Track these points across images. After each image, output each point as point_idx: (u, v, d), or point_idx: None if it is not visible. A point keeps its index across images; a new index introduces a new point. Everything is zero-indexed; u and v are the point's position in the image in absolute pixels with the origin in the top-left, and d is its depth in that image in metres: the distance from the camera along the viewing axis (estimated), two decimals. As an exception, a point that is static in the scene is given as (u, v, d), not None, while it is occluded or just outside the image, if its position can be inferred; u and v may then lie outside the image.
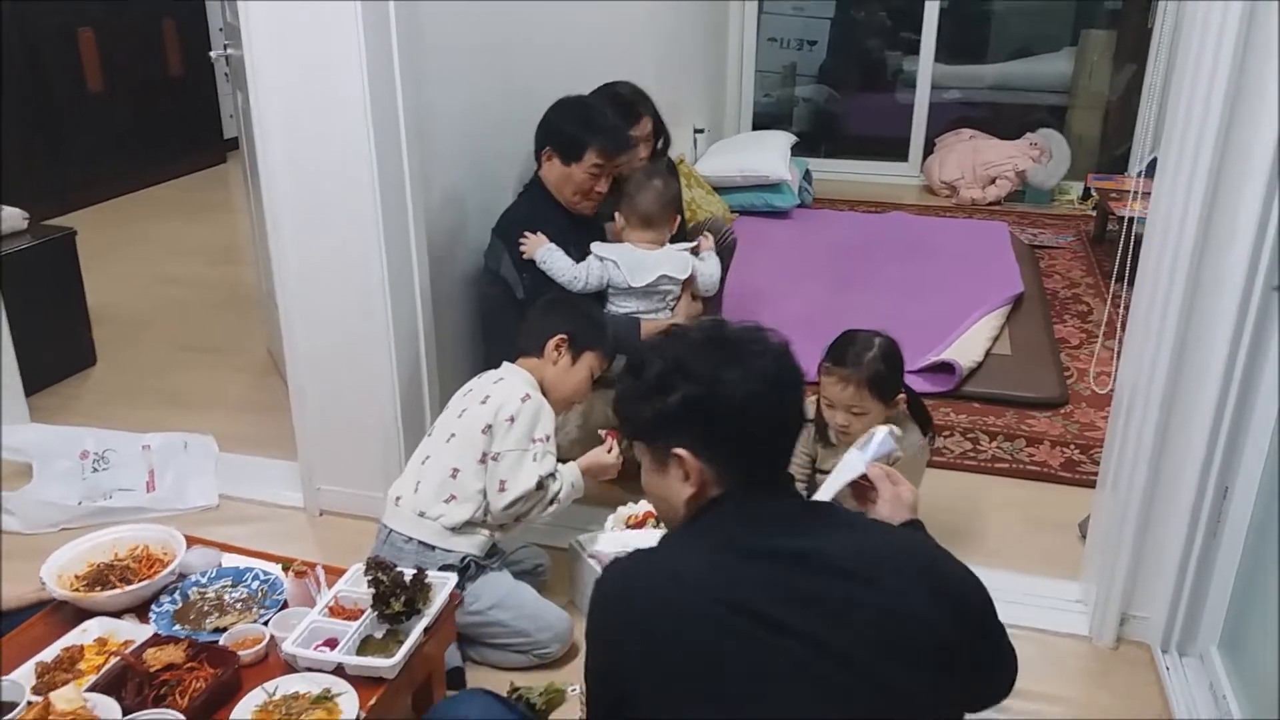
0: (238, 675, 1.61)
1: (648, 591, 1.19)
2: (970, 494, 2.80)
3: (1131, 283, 2.20)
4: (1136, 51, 5.74)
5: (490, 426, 2.08)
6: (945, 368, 3.37)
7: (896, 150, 6.14)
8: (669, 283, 2.67)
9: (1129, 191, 4.30)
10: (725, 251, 3.01)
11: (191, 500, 2.72)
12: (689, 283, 2.71)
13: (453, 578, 1.87)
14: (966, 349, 3.50)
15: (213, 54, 3.37)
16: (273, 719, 1.53)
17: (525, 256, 2.63)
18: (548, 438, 2.13)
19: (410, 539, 2.07)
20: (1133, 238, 2.74)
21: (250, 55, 2.38)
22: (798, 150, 5.53)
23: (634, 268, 2.64)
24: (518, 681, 1.98)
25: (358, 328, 2.53)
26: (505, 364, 2.26)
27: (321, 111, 2.37)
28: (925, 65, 5.91)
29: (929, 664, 1.16)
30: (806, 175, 5.49)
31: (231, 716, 1.52)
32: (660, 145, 3.14)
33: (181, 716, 1.46)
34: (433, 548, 2.05)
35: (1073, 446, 3.02)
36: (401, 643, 1.68)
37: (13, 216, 3.31)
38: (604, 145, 2.64)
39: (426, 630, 1.73)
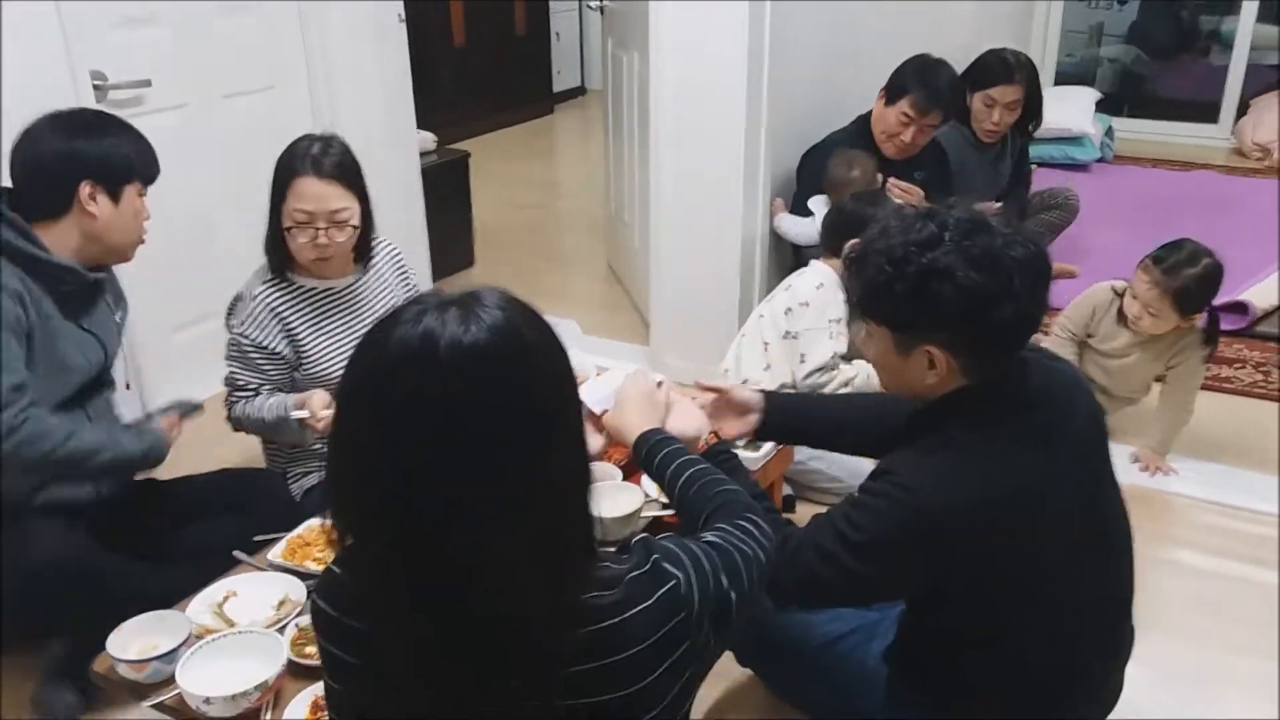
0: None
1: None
2: (1261, 420, 3.00)
3: None
4: None
5: (790, 310, 2.54)
6: (1239, 307, 3.50)
7: (1205, 113, 6.01)
8: None
9: None
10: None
11: (566, 364, 3.37)
12: None
13: (799, 413, 2.33)
14: (1264, 293, 3.60)
15: (592, 4, 3.94)
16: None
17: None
18: (840, 320, 2.52)
19: None
20: None
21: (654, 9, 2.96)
22: (1100, 108, 5.57)
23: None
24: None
25: (711, 232, 3.10)
26: (812, 261, 2.66)
27: (705, 60, 2.91)
28: (1245, 26, 5.76)
29: None
30: (1108, 132, 5.52)
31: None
32: (1028, 124, 3.39)
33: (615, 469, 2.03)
34: None
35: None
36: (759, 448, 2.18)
37: (426, 139, 4.08)
38: (917, 98, 2.96)
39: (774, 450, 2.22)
